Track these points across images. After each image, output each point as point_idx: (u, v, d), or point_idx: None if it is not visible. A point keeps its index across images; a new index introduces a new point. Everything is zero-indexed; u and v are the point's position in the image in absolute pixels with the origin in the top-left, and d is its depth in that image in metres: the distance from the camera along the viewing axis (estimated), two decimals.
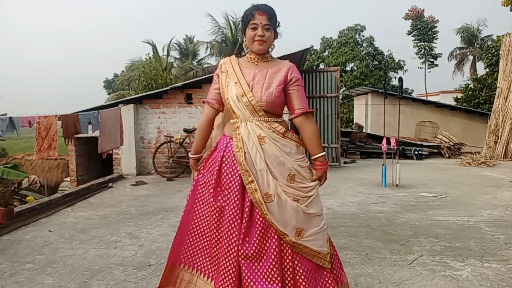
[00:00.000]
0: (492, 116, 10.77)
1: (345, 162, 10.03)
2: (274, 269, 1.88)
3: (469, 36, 32.52)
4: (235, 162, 1.98)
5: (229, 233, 1.93)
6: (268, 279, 1.88)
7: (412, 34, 30.33)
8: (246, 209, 1.93)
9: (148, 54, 21.91)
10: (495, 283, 2.68)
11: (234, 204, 1.94)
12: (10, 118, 4.61)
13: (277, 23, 2.06)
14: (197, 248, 2.11)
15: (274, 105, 2.00)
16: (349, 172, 8.38)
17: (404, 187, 6.35)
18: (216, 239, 2.01)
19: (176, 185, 7.05)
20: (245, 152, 1.95)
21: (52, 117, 5.20)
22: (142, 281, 2.84)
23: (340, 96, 12.90)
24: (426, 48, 30.35)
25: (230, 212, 1.94)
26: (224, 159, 2.03)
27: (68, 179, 10.02)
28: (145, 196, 6.09)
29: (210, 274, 2.05)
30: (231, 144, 2.03)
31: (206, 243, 2.07)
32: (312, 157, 2.08)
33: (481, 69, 24.89)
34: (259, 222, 1.92)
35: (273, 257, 1.89)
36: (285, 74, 2.02)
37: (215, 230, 2.01)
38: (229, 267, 1.92)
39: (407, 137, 12.54)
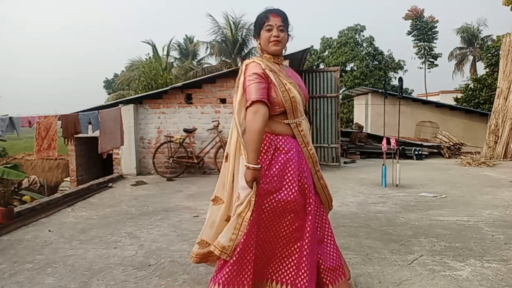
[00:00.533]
0: (492, 116, 10.77)
1: (345, 162, 10.03)
2: (336, 250, 2.30)
3: (469, 36, 32.53)
4: (301, 158, 2.18)
5: (312, 221, 2.13)
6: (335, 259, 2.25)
7: (412, 34, 30.35)
8: (313, 201, 2.16)
9: (148, 54, 21.95)
10: (495, 283, 2.68)
11: (312, 193, 2.17)
12: (10, 118, 4.62)
13: (290, 26, 2.19)
14: (264, 260, 2.16)
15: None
16: (349, 172, 8.38)
17: (404, 187, 6.35)
18: (294, 239, 2.13)
19: (176, 185, 7.05)
20: (306, 144, 2.20)
21: (52, 117, 5.20)
22: (142, 281, 2.84)
23: (340, 96, 12.90)
24: (426, 48, 30.37)
25: (315, 208, 2.16)
26: (298, 158, 2.16)
27: (68, 179, 10.01)
28: (145, 196, 6.09)
29: (284, 280, 2.11)
30: (294, 141, 2.17)
31: (277, 250, 2.15)
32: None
33: (481, 69, 24.90)
34: (319, 210, 2.26)
35: (333, 240, 2.30)
36: (299, 75, 2.28)
37: (293, 230, 2.13)
38: (313, 260, 2.11)
39: (407, 137, 12.54)
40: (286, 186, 2.08)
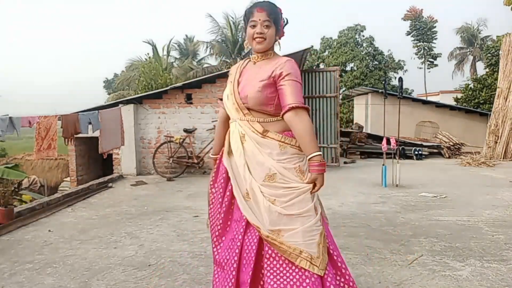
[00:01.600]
0: (492, 116, 10.77)
1: (345, 162, 10.03)
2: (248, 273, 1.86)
3: (469, 36, 32.55)
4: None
5: (216, 228, 2.26)
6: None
7: (411, 34, 30.34)
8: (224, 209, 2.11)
9: (148, 54, 21.95)
10: (495, 283, 2.68)
11: (219, 201, 2.19)
12: (10, 118, 4.62)
13: (284, 21, 2.01)
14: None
15: (258, 102, 1.91)
16: (349, 172, 8.38)
17: (404, 187, 6.35)
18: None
19: (176, 185, 7.05)
20: (229, 150, 2.03)
21: (52, 117, 5.20)
22: (142, 281, 2.84)
23: (340, 96, 12.90)
24: (426, 48, 30.37)
25: (217, 207, 2.26)
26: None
27: (68, 179, 10.02)
28: (145, 196, 6.09)
29: None
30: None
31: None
32: (306, 158, 1.90)
33: (481, 69, 24.92)
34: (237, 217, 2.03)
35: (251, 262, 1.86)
36: (273, 68, 1.90)
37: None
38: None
39: (407, 137, 12.53)
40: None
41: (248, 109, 1.94)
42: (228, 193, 2.05)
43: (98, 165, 9.46)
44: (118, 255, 3.40)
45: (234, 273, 1.88)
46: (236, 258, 1.90)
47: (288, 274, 1.81)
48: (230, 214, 2.06)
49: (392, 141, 6.69)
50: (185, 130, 8.02)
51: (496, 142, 10.40)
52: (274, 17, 1.94)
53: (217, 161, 2.22)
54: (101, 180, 7.30)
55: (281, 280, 1.80)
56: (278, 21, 1.96)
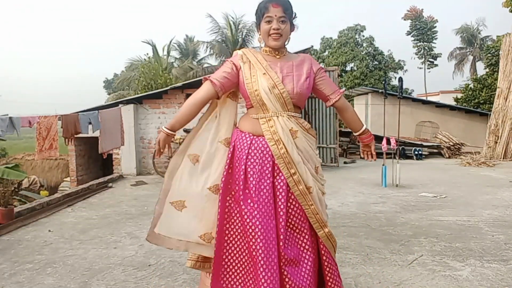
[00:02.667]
0: (492, 116, 10.77)
1: (345, 162, 10.03)
2: (312, 272, 1.85)
3: (469, 36, 32.55)
4: (264, 160, 1.89)
5: (266, 238, 1.77)
6: (309, 282, 1.82)
7: (411, 34, 30.35)
8: (281, 210, 1.84)
9: (148, 54, 21.95)
10: (495, 283, 2.68)
11: (268, 205, 1.82)
12: (10, 118, 4.61)
13: (294, 15, 1.96)
14: (238, 271, 1.90)
15: (302, 98, 1.97)
16: (349, 172, 8.38)
17: (404, 187, 6.35)
18: (254, 247, 1.80)
19: None
20: (284, 144, 1.87)
21: (52, 117, 5.20)
22: (142, 281, 2.84)
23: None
24: (426, 48, 30.38)
25: (264, 215, 1.80)
26: (249, 157, 1.91)
27: (68, 179, 10.01)
28: (145, 196, 6.09)
29: None
30: (256, 141, 1.92)
31: (246, 261, 1.87)
32: (358, 133, 2.13)
33: (481, 69, 24.90)
34: (295, 222, 1.88)
35: (311, 259, 1.86)
36: (311, 65, 2.00)
37: (249, 238, 1.81)
38: (271, 276, 1.74)
39: (407, 137, 12.53)
40: (237, 188, 1.90)
41: (292, 104, 1.94)
42: (266, 184, 1.88)
43: (98, 165, 9.46)
44: (118, 255, 3.39)
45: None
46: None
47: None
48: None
49: (392, 141, 6.69)
50: (185, 130, 8.01)
51: (496, 142, 10.40)
52: (290, 13, 1.92)
53: (228, 165, 1.99)
54: (101, 180, 7.30)
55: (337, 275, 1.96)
56: (291, 16, 1.94)
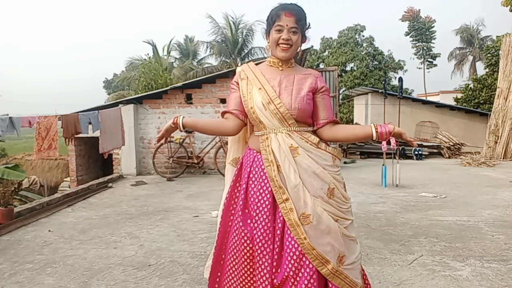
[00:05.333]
0: (492, 116, 10.77)
1: (345, 162, 10.03)
2: None
3: (469, 36, 32.56)
4: (264, 179, 1.75)
5: (260, 262, 1.69)
6: None
7: (410, 34, 30.35)
8: (278, 233, 1.69)
9: (148, 54, 21.95)
10: (495, 283, 2.68)
11: (265, 228, 1.70)
12: (10, 118, 4.61)
13: (307, 25, 1.84)
14: (236, 283, 1.82)
15: (305, 113, 1.79)
16: (349, 172, 8.38)
17: (404, 187, 6.35)
18: (250, 270, 1.75)
19: (176, 185, 7.05)
20: (278, 166, 1.71)
21: (52, 117, 5.20)
22: (142, 281, 2.84)
23: (341, 96, 12.88)
24: (424, 48, 30.37)
25: (261, 238, 1.69)
26: (251, 175, 1.80)
27: (68, 179, 10.01)
28: (145, 196, 6.09)
29: None
30: (258, 159, 1.80)
31: (242, 277, 1.79)
32: (374, 136, 1.75)
33: (481, 69, 24.93)
34: (292, 249, 1.65)
35: None
36: (315, 81, 1.83)
37: (248, 260, 1.74)
38: None
39: None
40: (237, 208, 1.81)
41: (293, 119, 1.77)
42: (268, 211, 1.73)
43: (98, 165, 9.46)
44: (118, 255, 3.40)
45: None
46: None
47: None
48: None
49: (392, 141, 6.68)
50: (185, 130, 8.01)
51: (496, 142, 10.40)
52: (302, 24, 1.80)
53: (234, 180, 1.91)
54: (101, 180, 7.30)
55: None
56: (304, 26, 1.82)
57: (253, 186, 1.78)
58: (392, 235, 3.80)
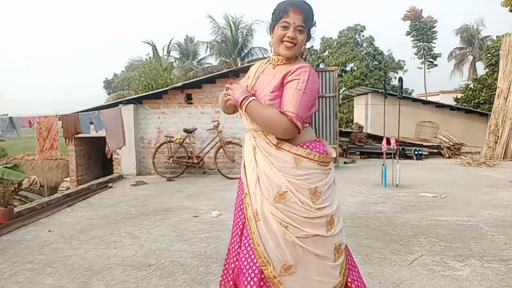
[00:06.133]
0: (492, 116, 10.77)
1: (345, 162, 10.03)
2: None
3: (469, 36, 32.58)
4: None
5: (231, 249, 1.80)
6: None
7: (411, 34, 30.36)
8: (240, 231, 1.77)
9: (148, 54, 21.94)
10: (495, 283, 2.68)
11: (238, 218, 1.80)
12: (10, 118, 4.62)
13: (314, 23, 1.76)
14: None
15: None
16: (349, 172, 8.38)
17: (404, 187, 6.35)
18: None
19: (176, 185, 7.05)
20: (245, 163, 1.77)
21: (53, 117, 5.20)
22: (142, 281, 2.84)
23: (341, 96, 12.88)
24: (425, 48, 30.39)
25: (235, 227, 1.80)
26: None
27: (68, 179, 10.01)
28: (145, 196, 6.09)
29: None
30: None
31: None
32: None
33: (481, 69, 24.94)
34: (245, 243, 1.68)
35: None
36: (284, 75, 1.68)
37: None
38: None
39: (407, 137, 12.53)
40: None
41: None
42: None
43: (98, 165, 9.46)
44: (118, 255, 3.40)
45: None
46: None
47: None
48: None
49: (392, 141, 6.69)
50: (185, 130, 8.02)
51: (496, 142, 10.40)
52: (309, 23, 1.73)
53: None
54: (101, 180, 7.30)
55: None
56: (311, 26, 1.75)
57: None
58: (392, 235, 3.80)
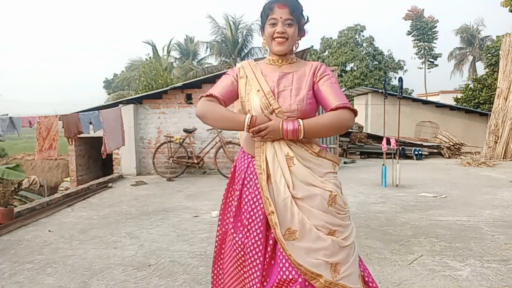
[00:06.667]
0: (492, 116, 10.77)
1: (345, 162, 10.03)
2: None
3: (469, 36, 32.58)
4: (258, 186, 1.64)
5: (251, 272, 1.62)
6: None
7: (412, 34, 30.36)
8: (270, 242, 1.61)
9: (148, 54, 21.95)
10: (495, 283, 2.68)
11: (256, 238, 1.61)
12: (10, 118, 4.62)
13: (305, 18, 1.74)
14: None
15: (306, 115, 1.65)
16: (349, 172, 8.38)
17: (404, 187, 6.35)
18: (242, 278, 1.70)
19: (176, 185, 7.05)
20: (268, 176, 1.61)
21: (53, 117, 5.20)
22: (142, 281, 2.84)
23: None
24: (426, 48, 30.40)
25: (252, 247, 1.62)
26: (245, 182, 1.71)
27: (68, 179, 10.01)
28: (145, 196, 6.09)
29: None
30: (253, 165, 1.69)
31: (234, 283, 1.75)
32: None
33: (481, 69, 24.94)
34: (282, 260, 1.56)
35: None
36: (313, 74, 1.70)
37: (240, 268, 1.70)
38: None
39: (407, 137, 12.54)
40: (231, 214, 1.75)
41: None
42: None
43: (98, 165, 9.46)
44: (118, 255, 3.40)
45: None
46: None
47: None
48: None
49: (392, 141, 6.69)
50: (185, 130, 8.02)
51: (496, 142, 10.40)
52: (297, 15, 1.69)
53: (229, 184, 1.84)
54: (101, 180, 7.30)
55: None
56: (300, 18, 1.71)
57: (247, 193, 1.68)
58: (392, 235, 3.80)
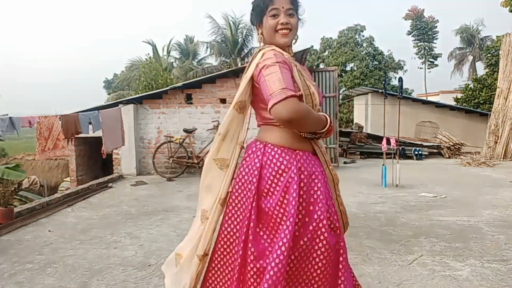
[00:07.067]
0: (492, 116, 10.77)
1: (345, 162, 10.03)
2: None
3: (469, 37, 32.58)
4: (326, 183, 1.62)
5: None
6: None
7: (412, 34, 30.36)
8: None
9: (148, 54, 21.95)
10: (495, 283, 2.68)
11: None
12: (10, 118, 4.62)
13: (303, 11, 1.68)
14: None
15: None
16: (349, 172, 8.38)
17: (404, 187, 6.35)
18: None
19: (176, 185, 7.05)
20: (331, 166, 1.71)
21: (53, 117, 5.20)
22: (142, 281, 2.84)
23: (341, 96, 12.87)
24: (426, 48, 30.40)
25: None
26: (303, 183, 1.54)
27: (68, 179, 10.01)
28: (145, 196, 6.09)
29: None
30: (312, 159, 1.60)
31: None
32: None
33: (481, 69, 24.95)
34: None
35: None
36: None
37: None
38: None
39: (407, 137, 12.54)
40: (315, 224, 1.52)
41: None
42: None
43: (98, 165, 9.45)
44: (118, 255, 3.40)
45: None
46: None
47: None
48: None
49: (392, 141, 6.69)
50: (185, 130, 8.02)
51: (496, 142, 10.40)
52: (296, 4, 1.64)
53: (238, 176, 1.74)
54: (101, 180, 7.30)
55: None
56: (298, 8, 1.65)
57: (305, 195, 1.53)
58: (392, 235, 3.80)
